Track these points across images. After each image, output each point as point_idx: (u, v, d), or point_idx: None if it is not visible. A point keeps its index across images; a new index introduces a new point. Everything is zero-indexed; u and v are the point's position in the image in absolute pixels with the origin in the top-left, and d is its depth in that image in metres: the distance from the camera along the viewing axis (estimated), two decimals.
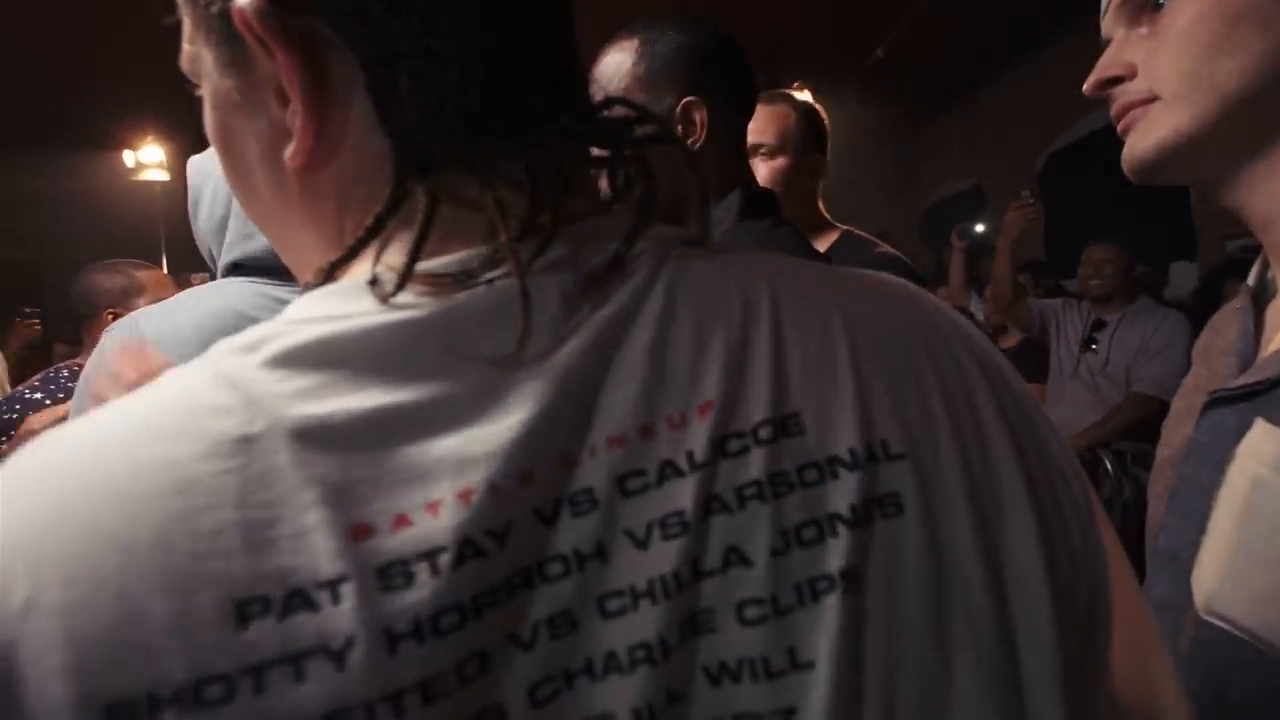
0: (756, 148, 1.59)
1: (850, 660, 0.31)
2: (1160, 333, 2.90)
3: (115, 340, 1.02)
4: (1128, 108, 0.61)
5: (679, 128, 1.00)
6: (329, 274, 0.36)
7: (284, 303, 1.09)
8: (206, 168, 1.13)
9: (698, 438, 0.33)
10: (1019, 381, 0.39)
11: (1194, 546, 0.57)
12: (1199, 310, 3.12)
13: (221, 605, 0.26)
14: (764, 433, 0.33)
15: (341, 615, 0.27)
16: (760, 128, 1.59)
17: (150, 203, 6.14)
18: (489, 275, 0.33)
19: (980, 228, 6.10)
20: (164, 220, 5.99)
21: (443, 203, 0.34)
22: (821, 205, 1.70)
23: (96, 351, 1.04)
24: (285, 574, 0.27)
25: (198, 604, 0.26)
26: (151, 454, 0.29)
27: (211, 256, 1.17)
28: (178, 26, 0.40)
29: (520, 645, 0.30)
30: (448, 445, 0.31)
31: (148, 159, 6.30)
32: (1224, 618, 0.54)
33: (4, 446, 1.82)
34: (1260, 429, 0.54)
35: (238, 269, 1.10)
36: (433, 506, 0.29)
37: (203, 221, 1.14)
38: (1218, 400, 0.59)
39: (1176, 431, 0.65)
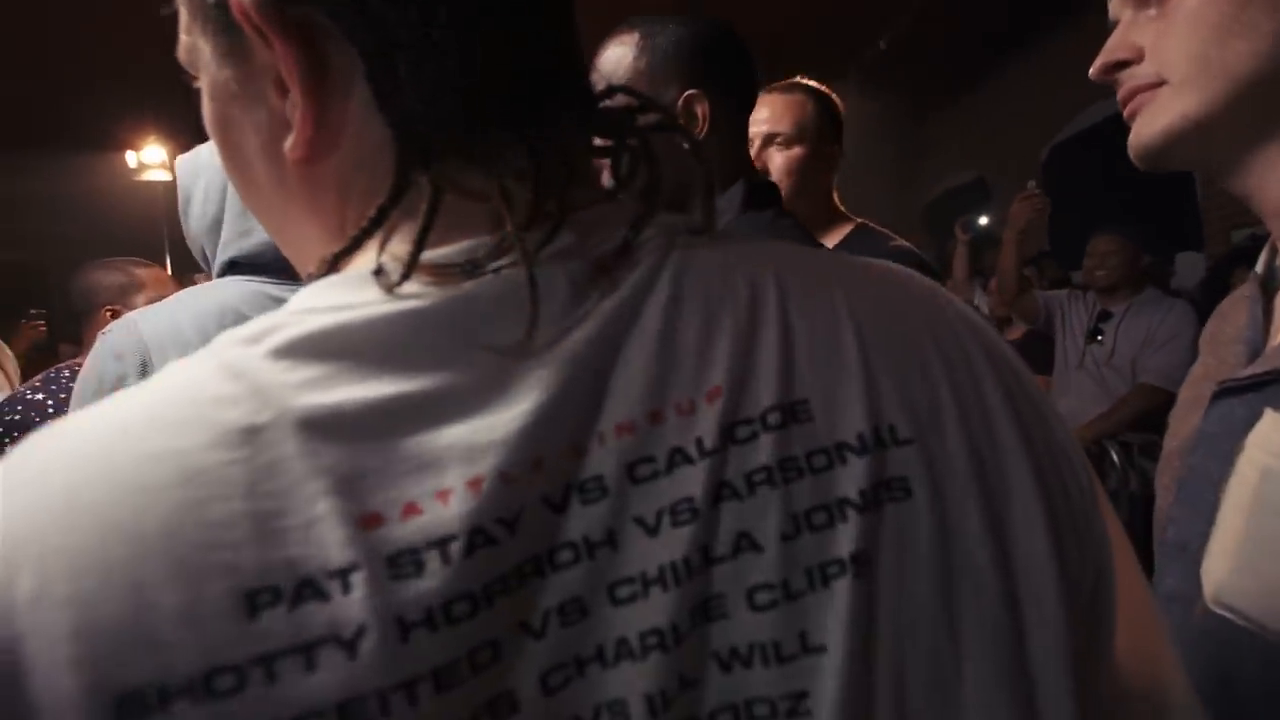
0: (772, 137, 1.57)
1: (861, 644, 0.32)
2: (1166, 323, 2.89)
3: (111, 343, 1.01)
4: (1135, 92, 0.59)
5: (681, 121, 1.00)
6: (332, 265, 0.36)
7: (283, 301, 1.09)
8: (196, 166, 1.12)
9: (707, 424, 0.33)
10: (1026, 371, 0.39)
11: (1203, 538, 0.56)
12: (1205, 300, 3.11)
13: (232, 595, 0.26)
14: (773, 419, 0.33)
15: (352, 604, 0.27)
16: (777, 116, 1.58)
17: (153, 203, 6.15)
18: (495, 264, 0.33)
19: (984, 220, 6.08)
20: (167, 220, 5.98)
21: (446, 192, 0.34)
22: (836, 198, 1.68)
23: (93, 353, 1.02)
24: (295, 564, 0.27)
25: (208, 594, 0.26)
26: (158, 445, 0.29)
27: (205, 256, 1.16)
28: (175, 19, 0.40)
29: (531, 633, 0.30)
30: (456, 434, 0.30)
31: (150, 159, 6.31)
32: (1233, 609, 0.53)
33: (7, 447, 1.82)
34: (1270, 419, 0.54)
35: (234, 267, 1.09)
36: (443, 495, 0.29)
37: (194, 220, 1.13)
38: (1226, 390, 0.58)
39: (1184, 422, 0.64)
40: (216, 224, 1.10)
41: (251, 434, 0.29)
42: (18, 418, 1.68)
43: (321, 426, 0.29)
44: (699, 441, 0.33)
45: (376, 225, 0.35)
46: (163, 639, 0.26)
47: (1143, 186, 4.56)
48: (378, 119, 0.35)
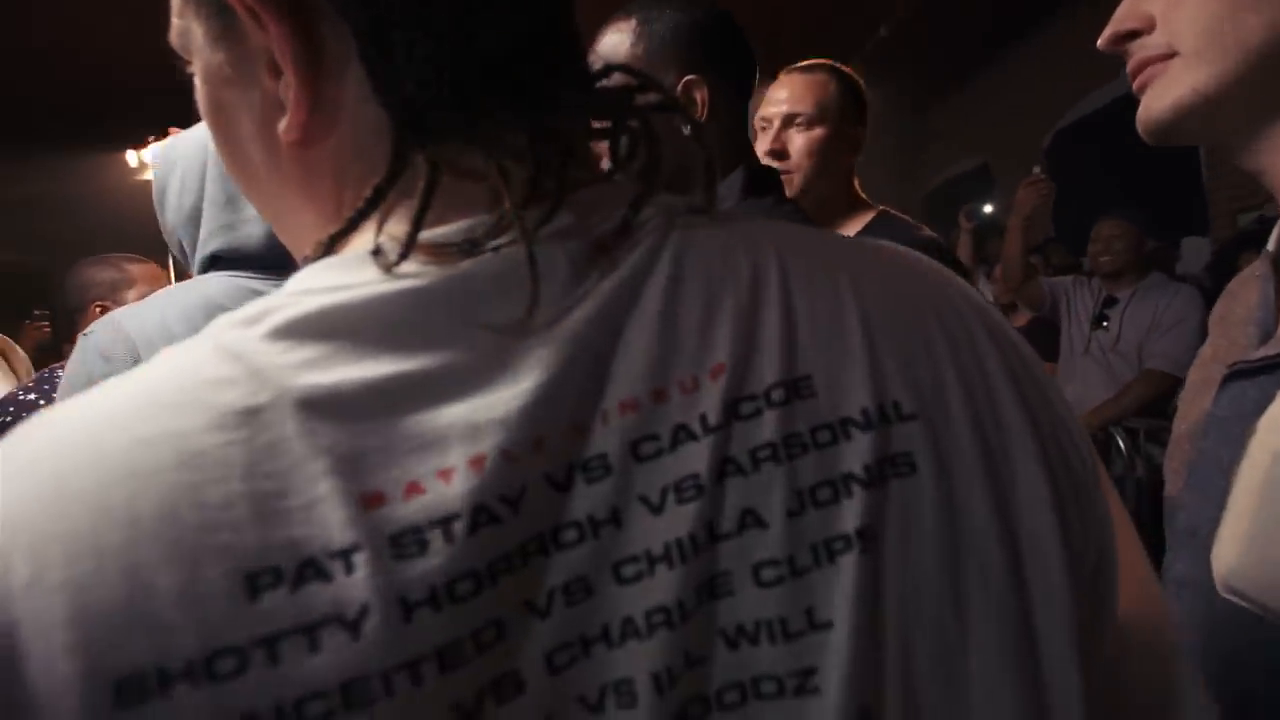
0: (792, 117, 1.53)
1: (868, 619, 0.31)
2: (1173, 308, 2.88)
3: (97, 343, 0.98)
4: (1144, 64, 0.57)
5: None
6: (329, 247, 0.35)
7: (257, 293, 1.07)
8: (172, 155, 1.11)
9: (710, 401, 0.33)
10: (1029, 351, 0.39)
11: (1213, 523, 0.55)
12: (1212, 285, 3.09)
13: (231, 577, 0.26)
14: (776, 395, 0.33)
15: (355, 584, 0.27)
16: (798, 96, 1.54)
17: None
18: (494, 243, 0.33)
19: (988, 208, 6.05)
20: None
21: (443, 172, 0.34)
22: (857, 184, 1.63)
23: (78, 354, 1.00)
24: (297, 544, 0.27)
25: (207, 576, 0.26)
26: (154, 428, 0.28)
27: (182, 249, 1.13)
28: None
29: (536, 613, 0.30)
30: (458, 412, 0.30)
31: (151, 159, 6.30)
32: (1243, 595, 0.52)
33: None
34: None
35: (217, 262, 1.08)
36: (445, 474, 0.29)
37: (171, 212, 1.11)
38: (1237, 373, 0.57)
39: (1194, 405, 0.63)
40: (195, 215, 1.09)
41: (250, 415, 0.29)
42: (9, 419, 1.67)
43: (321, 406, 0.29)
44: (703, 418, 0.32)
45: (373, 206, 0.34)
46: (161, 622, 0.25)
47: (1147, 171, 4.53)
48: (373, 100, 0.35)
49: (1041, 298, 3.22)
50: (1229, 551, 0.54)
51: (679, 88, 1.00)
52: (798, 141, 1.53)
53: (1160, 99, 0.56)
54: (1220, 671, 0.55)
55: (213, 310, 0.99)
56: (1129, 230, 3.06)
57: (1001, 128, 6.32)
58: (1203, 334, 0.65)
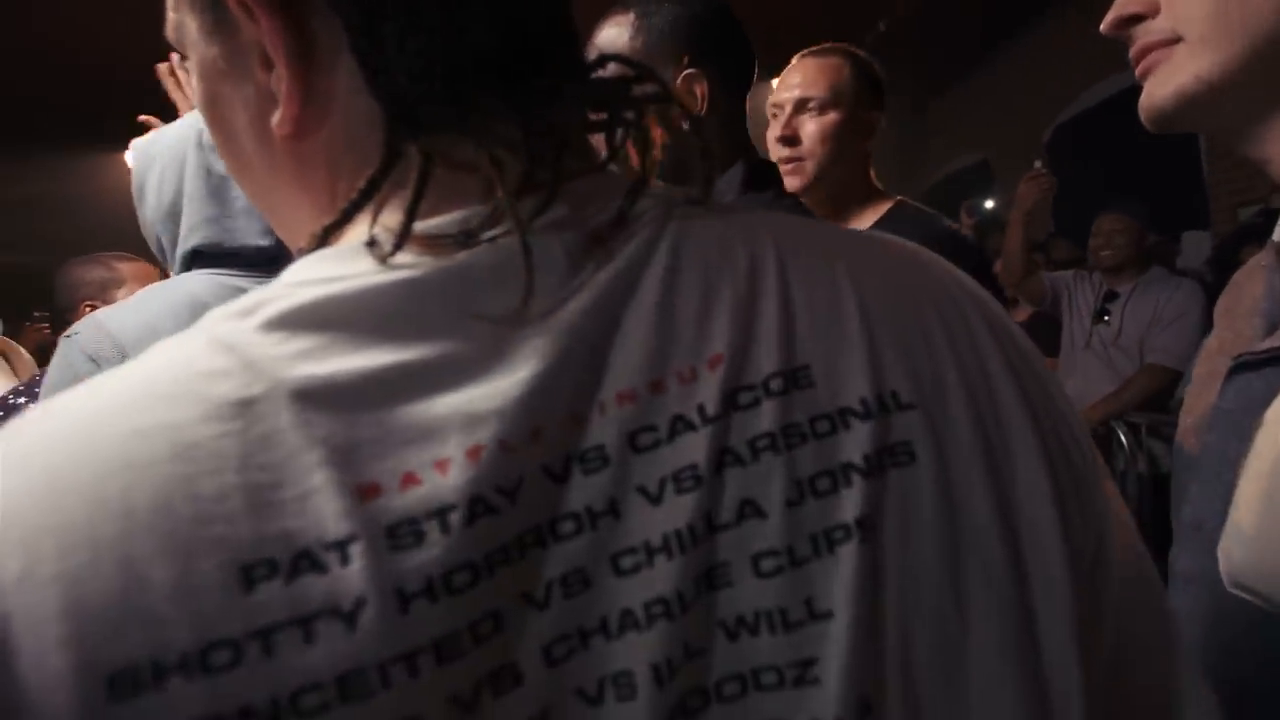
0: (805, 102, 1.46)
1: (868, 609, 0.31)
2: (1174, 302, 2.87)
3: (81, 345, 0.97)
4: (1147, 49, 0.56)
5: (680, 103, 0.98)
6: (323, 239, 0.35)
7: (244, 291, 1.06)
8: (152, 151, 1.10)
9: (708, 391, 0.33)
10: (1029, 344, 0.39)
11: (1219, 517, 0.55)
12: (1213, 279, 3.09)
13: (226, 569, 0.26)
14: (775, 385, 0.33)
15: (351, 576, 0.27)
16: (810, 80, 1.47)
17: None
18: (489, 234, 0.33)
19: (989, 204, 6.04)
20: None
21: (437, 163, 0.33)
22: (873, 173, 1.55)
23: (61, 357, 0.98)
24: (291, 536, 0.27)
25: (201, 569, 0.26)
26: (148, 420, 0.28)
27: (160, 246, 1.12)
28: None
29: (534, 604, 0.30)
30: (454, 403, 0.30)
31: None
32: (1250, 589, 0.52)
33: None
34: None
35: (198, 257, 1.07)
36: (441, 464, 0.29)
37: (150, 208, 1.10)
38: (1243, 365, 0.56)
39: (1200, 398, 0.62)
40: (174, 211, 1.08)
41: (244, 407, 0.28)
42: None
43: (316, 397, 0.29)
44: (701, 408, 0.32)
45: (367, 197, 0.34)
46: (155, 615, 0.25)
47: (1147, 165, 4.52)
48: (365, 92, 0.35)
49: (1042, 292, 3.21)
50: (1235, 546, 0.53)
51: (678, 81, 0.99)
52: (810, 127, 1.46)
53: (1164, 86, 0.55)
54: (1227, 666, 0.54)
55: (199, 309, 0.97)
56: (1130, 225, 3.06)
57: (1001, 123, 6.32)
58: (1204, 328, 0.65)
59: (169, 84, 1.28)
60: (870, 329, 0.35)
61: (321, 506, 0.27)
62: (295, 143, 0.36)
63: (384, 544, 0.27)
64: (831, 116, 1.46)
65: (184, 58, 0.40)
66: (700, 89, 1.00)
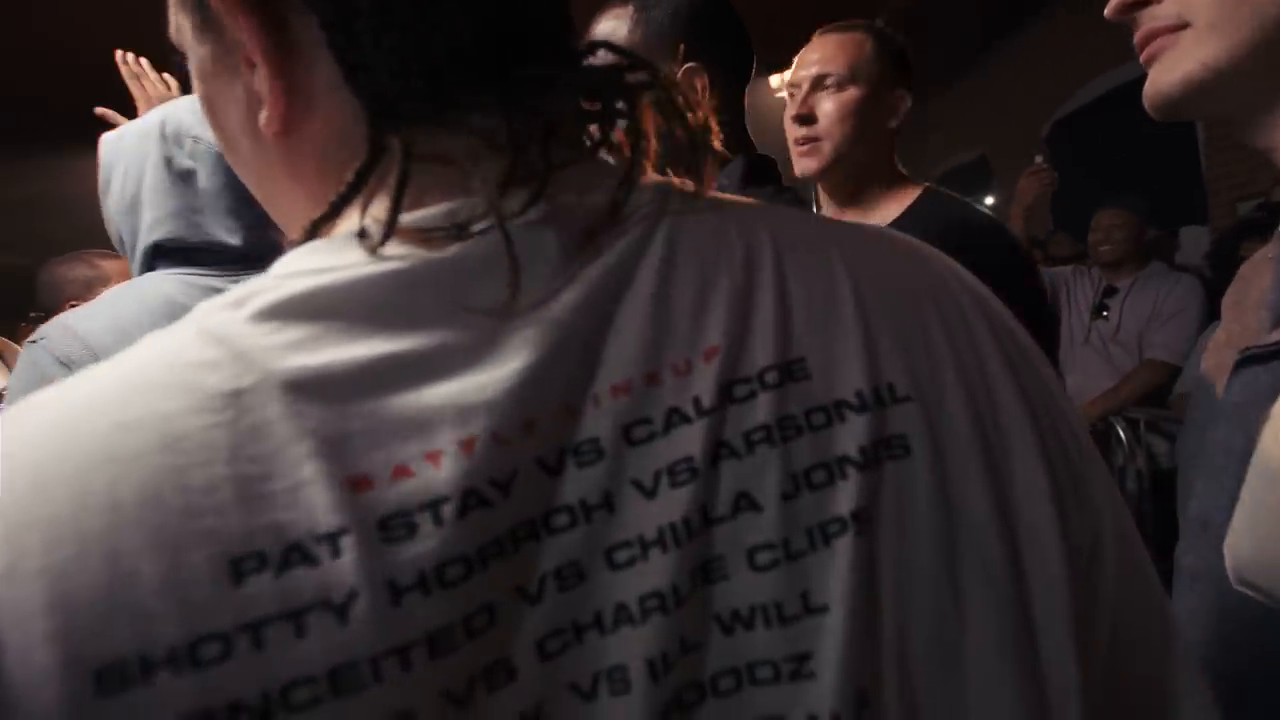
0: (822, 79, 1.34)
1: (864, 603, 0.31)
2: (1173, 296, 2.87)
3: (49, 348, 0.94)
4: (1153, 35, 0.54)
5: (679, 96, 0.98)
6: (312, 232, 0.35)
7: (218, 291, 1.05)
8: (121, 146, 1.09)
9: (704, 383, 0.33)
10: (1027, 339, 0.39)
11: (1225, 513, 0.54)
12: (1212, 274, 3.08)
13: (215, 562, 0.26)
14: (770, 378, 0.33)
15: (342, 569, 0.27)
16: (828, 56, 1.34)
17: None
18: (480, 226, 0.32)
19: (990, 200, 6.04)
20: None
21: (422, 156, 0.33)
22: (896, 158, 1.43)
23: (27, 362, 0.95)
24: (281, 528, 0.27)
25: (190, 562, 0.26)
26: (137, 411, 0.28)
27: (120, 240, 1.11)
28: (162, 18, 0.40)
29: (528, 598, 0.30)
30: (446, 394, 0.30)
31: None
32: (1256, 587, 0.51)
33: None
34: None
35: (160, 253, 1.05)
36: (433, 456, 0.29)
37: (113, 200, 1.09)
38: (1250, 358, 0.56)
39: (1207, 391, 0.62)
40: (134, 205, 1.06)
41: (234, 398, 0.28)
42: None
43: (306, 388, 0.29)
44: (696, 400, 0.32)
45: (353, 193, 0.34)
46: (143, 609, 0.25)
47: (1146, 160, 4.51)
48: (347, 88, 0.34)
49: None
50: (1242, 543, 0.53)
51: (679, 75, 0.99)
52: (827, 105, 1.33)
53: (1169, 73, 0.53)
54: (1234, 663, 0.54)
55: (173, 310, 0.95)
56: (1129, 220, 3.06)
57: (999, 119, 6.31)
58: (1203, 323, 0.64)
59: (126, 76, 1.26)
60: (866, 322, 0.35)
61: (312, 498, 0.27)
62: (285, 139, 0.36)
63: (376, 536, 0.27)
64: (850, 93, 1.33)
65: (184, 58, 0.40)
66: (701, 83, 0.99)
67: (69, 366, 0.93)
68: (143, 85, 1.26)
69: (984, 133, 6.58)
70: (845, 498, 0.32)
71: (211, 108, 0.39)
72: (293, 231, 0.41)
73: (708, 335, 0.33)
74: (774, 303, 0.34)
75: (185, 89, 1.23)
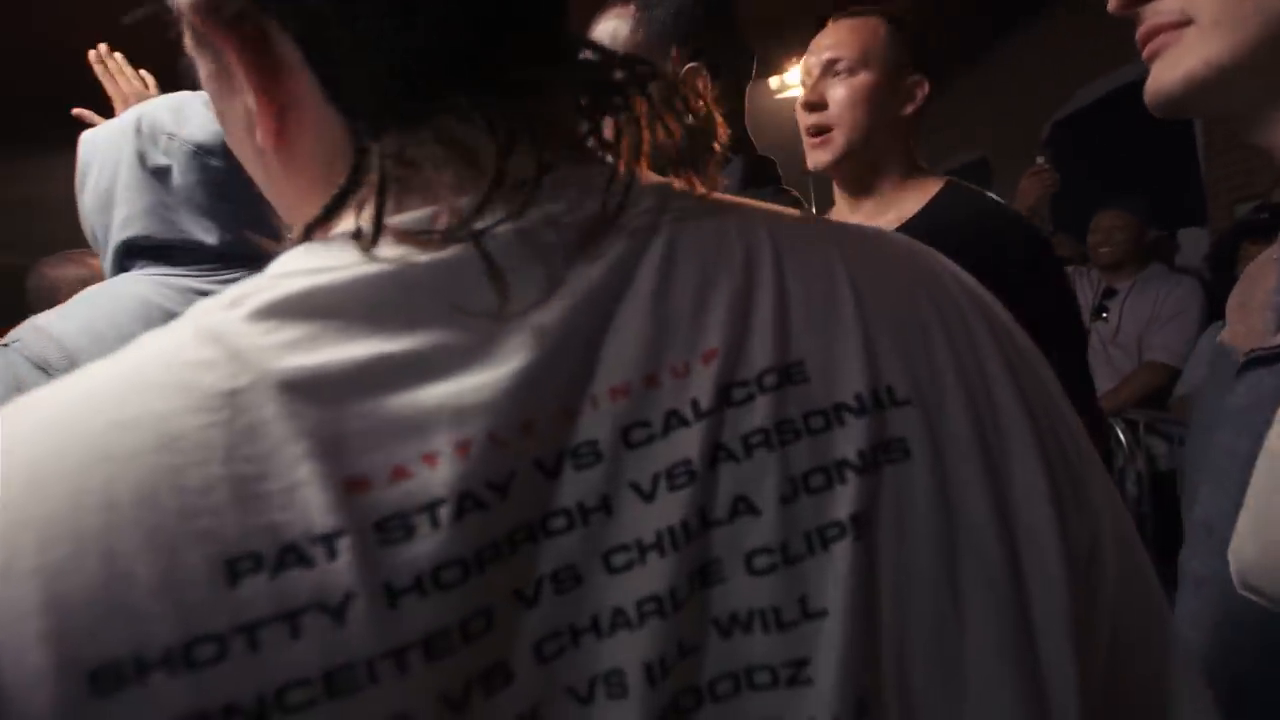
0: (833, 63, 1.27)
1: (863, 608, 0.31)
2: (1173, 298, 2.87)
3: (24, 353, 0.92)
4: (1156, 31, 0.53)
5: (680, 95, 0.97)
6: (306, 235, 0.35)
7: (197, 291, 1.02)
8: (97, 143, 1.08)
9: (702, 386, 0.32)
10: (1026, 341, 0.39)
11: (1229, 517, 0.54)
12: (1212, 275, 3.08)
13: (211, 563, 0.26)
14: (769, 380, 0.33)
15: (339, 571, 0.26)
16: (840, 41, 1.28)
17: None
18: (475, 227, 0.32)
19: None
20: None
21: (406, 164, 0.33)
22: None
23: (3, 368, 0.92)
24: (277, 529, 0.27)
25: (186, 562, 0.25)
26: (134, 410, 0.28)
27: (94, 237, 1.09)
28: (163, 22, 0.39)
29: (525, 601, 0.30)
30: (443, 395, 0.30)
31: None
32: (1261, 593, 0.51)
33: None
34: None
35: (131, 250, 1.04)
36: (430, 458, 0.29)
37: (88, 198, 1.08)
38: (1255, 360, 0.56)
39: (1212, 394, 0.61)
40: (108, 201, 1.05)
41: (230, 397, 0.28)
42: None
43: (302, 388, 0.29)
44: (694, 403, 0.32)
45: (339, 204, 0.34)
46: (139, 609, 0.25)
47: (1145, 161, 4.50)
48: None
49: None
50: (1246, 547, 0.52)
51: (681, 75, 0.98)
52: (838, 91, 1.26)
53: (1171, 70, 0.52)
54: (1239, 668, 0.53)
55: (151, 311, 0.94)
56: (1129, 221, 3.05)
57: (999, 121, 6.31)
58: (1202, 325, 0.63)
59: (100, 74, 1.25)
60: (866, 324, 0.35)
61: (308, 499, 0.27)
62: (282, 151, 0.36)
63: (373, 538, 0.27)
64: (862, 78, 1.26)
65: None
66: (703, 83, 0.99)
67: (44, 370, 0.91)
68: (118, 83, 1.25)
69: (984, 135, 6.58)
70: (844, 502, 0.32)
71: (221, 120, 0.40)
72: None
73: (707, 337, 0.33)
74: (773, 304, 0.34)
75: (164, 87, 1.22)
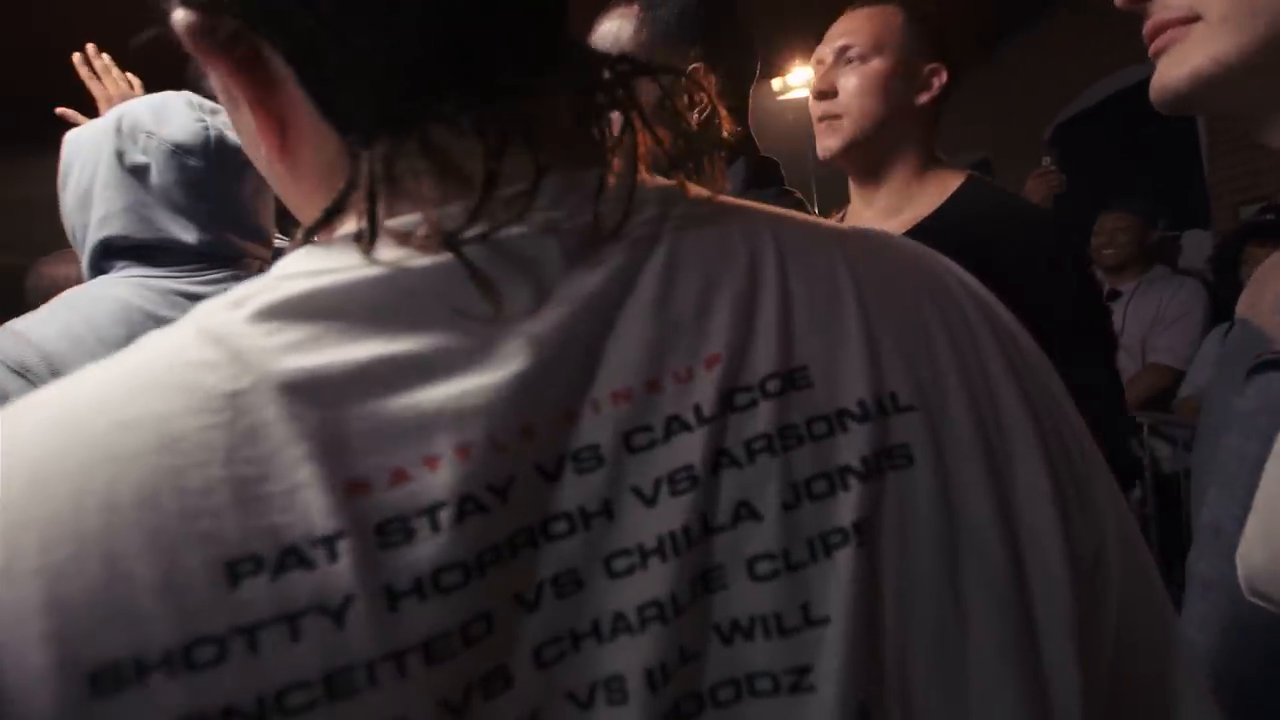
0: (845, 51, 1.22)
1: (865, 615, 0.31)
2: (1177, 301, 2.87)
3: (2, 357, 0.91)
4: (1163, 27, 0.52)
5: (685, 95, 0.97)
6: (306, 239, 0.35)
7: (178, 293, 1.01)
8: (81, 142, 1.08)
9: (705, 391, 0.32)
10: (1030, 343, 0.39)
11: (1238, 521, 0.53)
12: (1215, 278, 3.07)
13: (211, 565, 0.26)
14: (771, 386, 0.33)
15: (339, 573, 0.26)
16: (853, 29, 1.23)
17: None
18: (474, 231, 0.32)
19: None
20: None
21: (394, 175, 0.33)
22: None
23: None
24: (278, 531, 0.27)
25: (187, 564, 0.26)
26: (136, 410, 0.28)
27: (74, 236, 1.09)
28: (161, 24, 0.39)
29: (526, 606, 0.29)
30: (444, 398, 0.30)
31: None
32: (1269, 598, 0.50)
33: None
34: None
35: (109, 250, 1.03)
36: (430, 461, 0.29)
37: (69, 196, 1.08)
38: (1265, 363, 0.55)
39: (1221, 397, 0.61)
40: (86, 200, 1.05)
41: (231, 399, 0.28)
42: None
43: (304, 390, 0.29)
44: (697, 408, 0.32)
45: (333, 213, 0.33)
46: (139, 611, 0.25)
47: (1147, 163, 4.50)
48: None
49: None
50: (1254, 552, 0.52)
51: (685, 74, 0.98)
52: (850, 79, 1.21)
53: (1178, 67, 0.51)
54: (1247, 673, 0.53)
55: (132, 314, 0.93)
56: (1133, 223, 3.05)
57: (1002, 122, 6.30)
58: (1206, 328, 0.63)
59: (85, 76, 1.25)
60: (870, 328, 0.35)
61: (309, 502, 0.27)
62: (286, 162, 0.37)
63: (373, 541, 0.27)
64: (874, 65, 1.20)
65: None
66: (708, 82, 0.98)
67: (23, 375, 0.89)
68: (103, 84, 1.25)
69: (986, 136, 6.57)
70: (847, 508, 0.32)
71: (235, 130, 0.40)
72: None
73: (710, 342, 0.33)
74: (777, 308, 0.34)
75: (149, 88, 1.21)
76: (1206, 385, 2.55)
